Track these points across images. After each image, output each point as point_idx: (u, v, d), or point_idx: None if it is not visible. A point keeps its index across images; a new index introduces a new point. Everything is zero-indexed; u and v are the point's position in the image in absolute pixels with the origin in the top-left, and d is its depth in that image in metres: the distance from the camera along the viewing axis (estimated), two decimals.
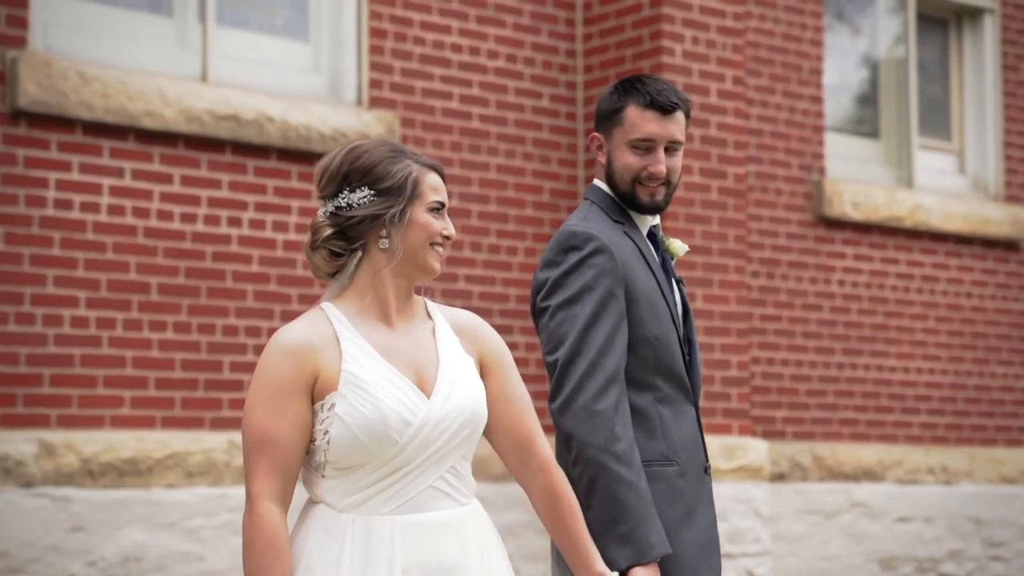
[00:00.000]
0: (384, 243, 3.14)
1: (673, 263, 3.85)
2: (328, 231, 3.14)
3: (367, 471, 3.09)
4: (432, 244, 3.18)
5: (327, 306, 3.16)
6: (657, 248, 3.83)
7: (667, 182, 3.76)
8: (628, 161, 3.75)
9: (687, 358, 3.77)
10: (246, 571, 3.04)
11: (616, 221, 3.77)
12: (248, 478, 3.05)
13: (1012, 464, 9.69)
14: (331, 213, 3.15)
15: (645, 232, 3.82)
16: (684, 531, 3.64)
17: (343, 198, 3.14)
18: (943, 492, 9.31)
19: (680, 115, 3.77)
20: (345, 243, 3.16)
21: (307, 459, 3.13)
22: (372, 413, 3.06)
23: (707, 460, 3.76)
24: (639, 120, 3.75)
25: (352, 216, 3.13)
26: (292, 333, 3.10)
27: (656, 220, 3.85)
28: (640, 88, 3.76)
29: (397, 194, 3.14)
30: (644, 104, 3.75)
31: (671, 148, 3.76)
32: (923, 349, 9.38)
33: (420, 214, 3.16)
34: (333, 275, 3.21)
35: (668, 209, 7.49)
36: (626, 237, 3.76)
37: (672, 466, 3.66)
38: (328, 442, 3.07)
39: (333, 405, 3.08)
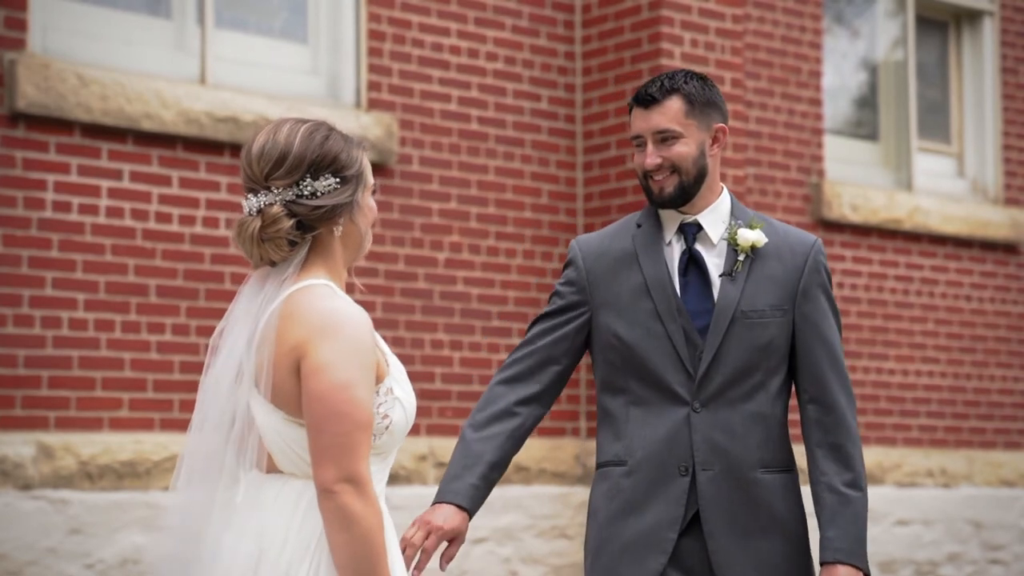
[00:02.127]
0: (338, 229, 3.01)
1: (742, 256, 3.75)
2: (288, 222, 2.94)
3: (391, 458, 3.03)
4: (371, 227, 3.09)
5: (333, 285, 3.00)
6: (694, 243, 3.78)
7: (675, 171, 3.73)
8: (634, 160, 3.81)
9: (696, 355, 3.73)
10: (371, 556, 2.86)
11: (638, 224, 3.82)
12: (357, 459, 2.84)
13: (1011, 467, 9.69)
14: (289, 202, 2.96)
15: (674, 228, 3.79)
16: (617, 527, 3.72)
17: (305, 186, 2.96)
18: (942, 495, 9.30)
19: (669, 103, 3.73)
20: (300, 232, 2.97)
21: None
22: (413, 398, 3.04)
23: (693, 460, 3.72)
24: (632, 119, 3.80)
25: (320, 206, 2.97)
26: (362, 309, 2.96)
27: (694, 216, 3.79)
28: (641, 86, 3.82)
29: (356, 180, 3.03)
30: (633, 101, 3.80)
31: (664, 139, 3.73)
32: (922, 352, 9.38)
33: (367, 198, 3.07)
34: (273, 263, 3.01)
35: None
36: (629, 241, 3.79)
37: (621, 466, 3.73)
38: (387, 427, 2.97)
39: (391, 389, 2.99)
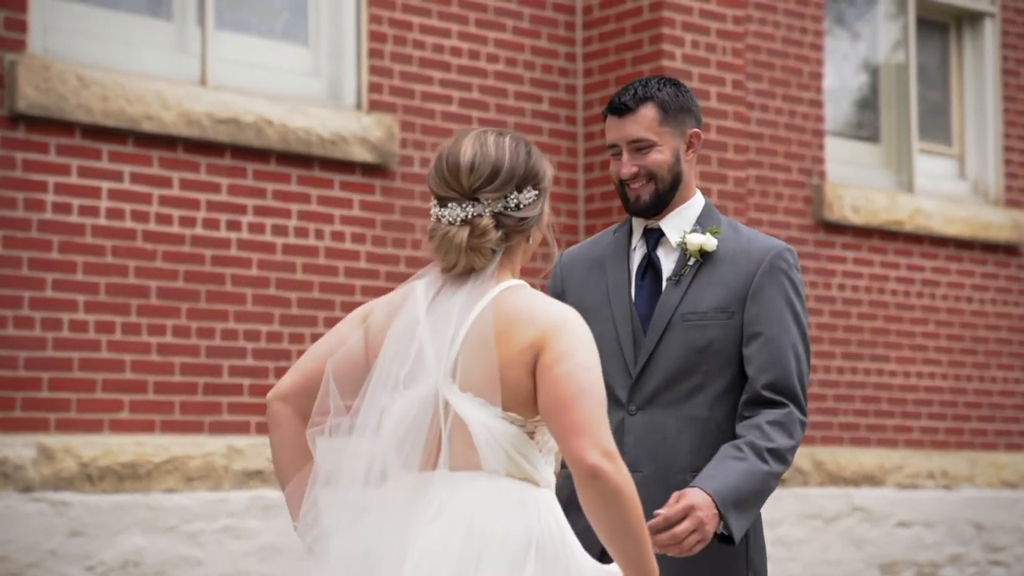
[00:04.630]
0: (531, 239, 3.13)
1: (691, 260, 3.77)
2: (496, 233, 3.04)
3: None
4: None
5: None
6: (655, 248, 3.81)
7: (652, 179, 3.77)
8: (610, 169, 3.83)
9: (639, 361, 3.74)
10: (642, 523, 2.94)
11: (615, 232, 3.88)
12: (608, 433, 2.93)
13: (1013, 468, 9.68)
14: (498, 213, 3.05)
15: (640, 234, 3.84)
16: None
17: (512, 199, 3.06)
18: (943, 497, 9.30)
19: (643, 111, 3.77)
20: (503, 242, 3.08)
21: (529, 440, 3.04)
22: None
23: (640, 464, 3.71)
24: (607, 127, 3.83)
25: (524, 217, 3.07)
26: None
27: (658, 223, 3.82)
28: (613, 95, 3.84)
29: (545, 192, 3.13)
30: (607, 110, 3.83)
31: (640, 147, 3.76)
32: (923, 353, 9.37)
33: (547, 209, 3.17)
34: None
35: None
36: (602, 248, 3.84)
37: (564, 469, 3.73)
38: None
39: None
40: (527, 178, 3.08)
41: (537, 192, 3.09)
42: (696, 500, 3.47)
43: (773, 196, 8.69)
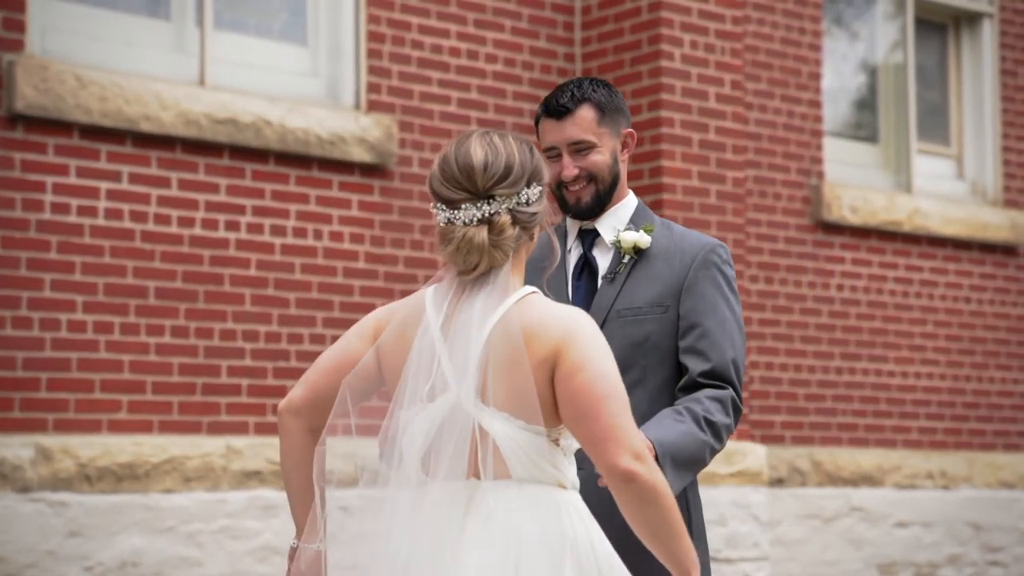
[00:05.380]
0: (535, 234, 3.17)
1: (626, 258, 3.79)
2: (514, 229, 3.09)
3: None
4: None
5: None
6: (590, 249, 3.83)
7: (592, 180, 3.78)
8: (549, 172, 3.78)
9: None
10: (678, 517, 3.00)
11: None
12: (634, 435, 2.99)
13: (1011, 469, 9.68)
14: (512, 209, 3.09)
15: (573, 235, 3.85)
16: None
17: (523, 195, 3.10)
18: (942, 497, 9.30)
19: (581, 113, 3.78)
20: (517, 238, 3.13)
21: (555, 447, 3.09)
22: None
23: (584, 461, 3.69)
24: (543, 130, 3.84)
25: (535, 212, 3.12)
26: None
27: (593, 224, 3.83)
28: (547, 97, 3.84)
29: (546, 188, 3.18)
30: (543, 112, 3.84)
31: (579, 149, 3.78)
32: (922, 354, 9.37)
33: (547, 206, 3.22)
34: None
35: (668, 213, 7.51)
36: (544, 248, 3.81)
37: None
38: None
39: None
40: (534, 175, 3.13)
41: (541, 188, 3.14)
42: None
43: (772, 196, 8.69)
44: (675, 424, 3.60)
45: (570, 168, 3.77)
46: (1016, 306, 9.89)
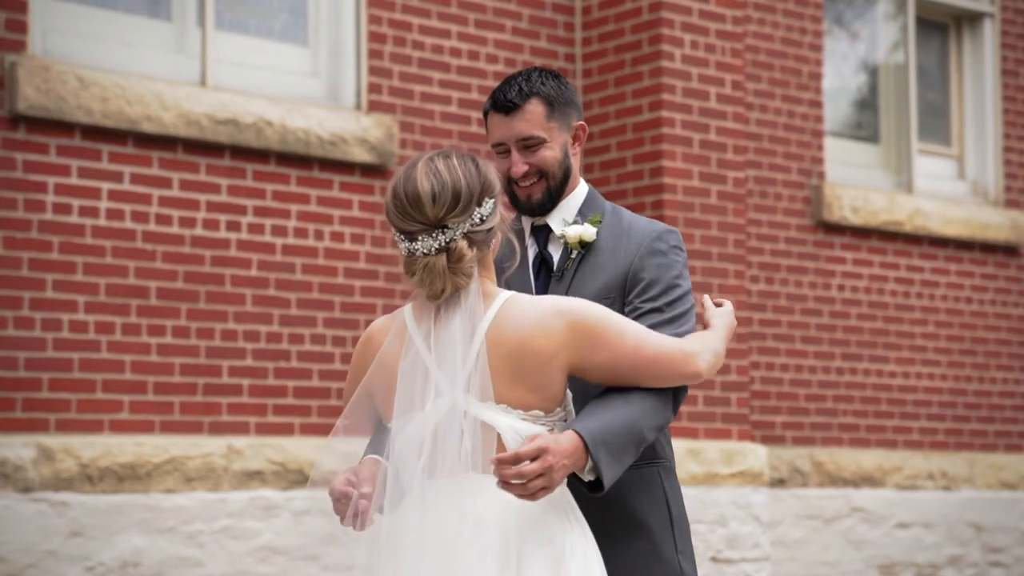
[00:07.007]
0: (495, 242, 3.26)
1: (573, 253, 3.70)
2: (471, 252, 3.17)
3: None
4: None
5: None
6: (546, 245, 3.74)
7: (543, 176, 3.68)
8: (497, 168, 3.65)
9: None
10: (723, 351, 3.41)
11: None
12: (677, 349, 3.34)
13: (1012, 470, 9.68)
14: (467, 232, 3.17)
15: (527, 232, 3.76)
16: None
17: (476, 215, 3.18)
18: (943, 498, 9.30)
19: (530, 107, 3.65)
20: (475, 259, 3.21)
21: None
22: None
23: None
24: (491, 125, 3.71)
25: (489, 228, 3.21)
26: None
27: (544, 220, 3.75)
28: (495, 91, 3.73)
29: (498, 196, 3.24)
30: (490, 107, 3.71)
31: (528, 145, 3.66)
32: (923, 354, 9.37)
33: (501, 209, 3.28)
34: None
35: (667, 214, 7.52)
36: (504, 246, 3.71)
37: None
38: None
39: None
40: (484, 191, 3.19)
41: (493, 200, 3.20)
42: (549, 444, 3.18)
43: (772, 197, 8.69)
44: (621, 409, 3.39)
45: (519, 165, 3.66)
46: (1017, 306, 9.89)
